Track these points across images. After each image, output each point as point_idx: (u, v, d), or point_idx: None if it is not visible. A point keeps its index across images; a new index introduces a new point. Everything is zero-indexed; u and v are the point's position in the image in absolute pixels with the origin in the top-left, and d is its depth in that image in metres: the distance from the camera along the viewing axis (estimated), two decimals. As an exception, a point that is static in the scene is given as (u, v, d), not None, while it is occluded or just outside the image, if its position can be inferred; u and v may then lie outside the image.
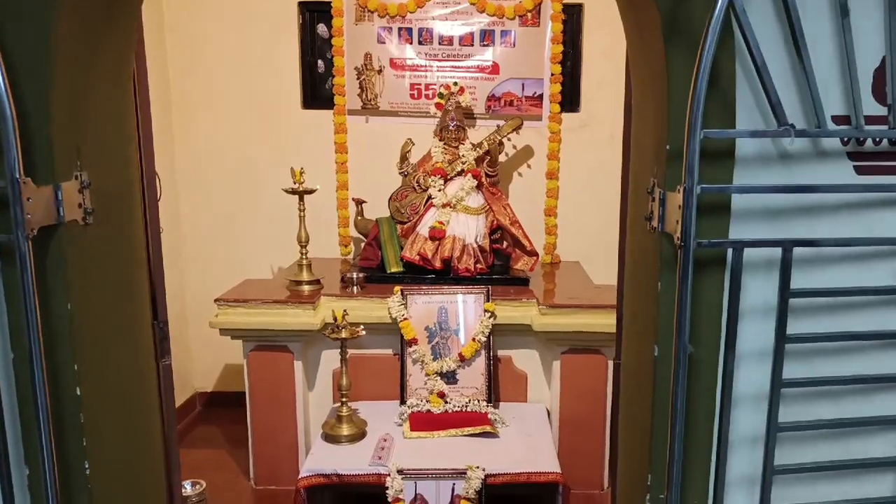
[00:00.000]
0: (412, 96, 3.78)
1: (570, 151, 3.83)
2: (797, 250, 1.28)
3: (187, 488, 2.98)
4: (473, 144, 3.48)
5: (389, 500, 2.59)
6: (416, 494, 2.61)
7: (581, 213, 3.88)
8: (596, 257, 3.81)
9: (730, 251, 1.27)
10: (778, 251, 1.28)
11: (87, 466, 1.44)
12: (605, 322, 2.96)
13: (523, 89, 3.78)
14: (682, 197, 1.21)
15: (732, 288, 1.27)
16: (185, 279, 4.04)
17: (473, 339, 3.11)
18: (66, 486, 1.40)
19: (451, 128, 3.49)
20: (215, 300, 3.13)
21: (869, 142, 1.28)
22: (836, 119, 1.27)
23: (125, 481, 1.59)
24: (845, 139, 1.28)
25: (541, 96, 3.78)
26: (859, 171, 1.30)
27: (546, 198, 3.87)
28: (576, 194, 3.87)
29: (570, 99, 3.81)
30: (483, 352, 3.12)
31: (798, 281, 1.30)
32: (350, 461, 2.72)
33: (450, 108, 3.52)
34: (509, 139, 3.64)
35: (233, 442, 3.71)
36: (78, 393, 1.41)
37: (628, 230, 1.66)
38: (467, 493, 2.58)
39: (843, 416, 1.38)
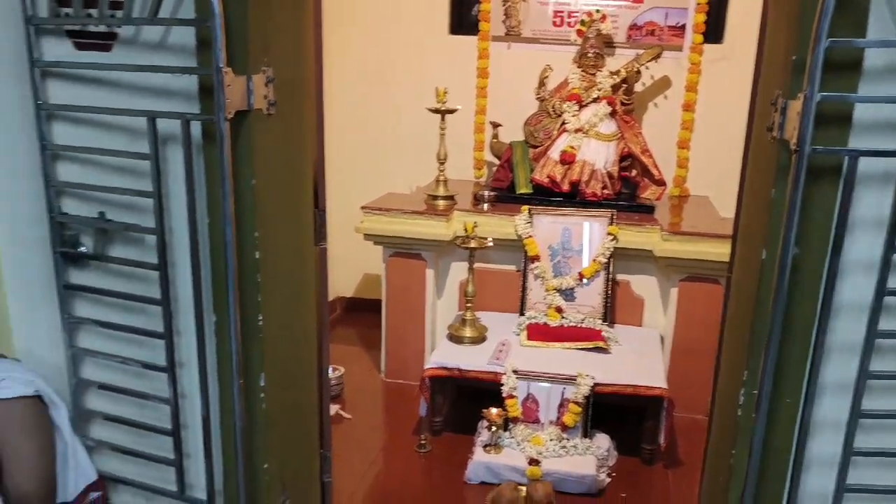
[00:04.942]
0: (554, 23, 3.79)
1: (709, 85, 3.72)
2: (918, 167, 1.29)
3: (328, 372, 3.35)
4: (611, 72, 3.48)
5: (503, 395, 2.81)
6: (528, 394, 2.82)
7: (715, 148, 3.78)
8: (726, 193, 3.72)
9: (846, 159, 1.30)
10: (897, 165, 1.30)
11: (260, 319, 1.74)
12: (727, 252, 2.96)
13: (666, 18, 3.69)
14: (802, 104, 1.25)
15: (844, 195, 1.31)
16: (329, 190, 4.34)
17: (594, 260, 3.21)
18: (244, 333, 1.69)
19: (589, 55, 3.51)
20: (362, 207, 3.43)
21: None
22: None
23: (287, 337, 1.88)
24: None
25: (683, 26, 3.68)
26: None
27: (680, 129, 3.78)
28: (711, 129, 3.77)
29: (714, 29, 3.66)
30: (602, 273, 3.21)
31: (915, 197, 1.31)
32: (471, 359, 2.96)
33: (590, 36, 3.53)
34: (647, 68, 3.60)
35: (367, 343, 4.01)
36: (257, 256, 1.69)
37: (752, 146, 1.70)
38: (576, 397, 2.75)
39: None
